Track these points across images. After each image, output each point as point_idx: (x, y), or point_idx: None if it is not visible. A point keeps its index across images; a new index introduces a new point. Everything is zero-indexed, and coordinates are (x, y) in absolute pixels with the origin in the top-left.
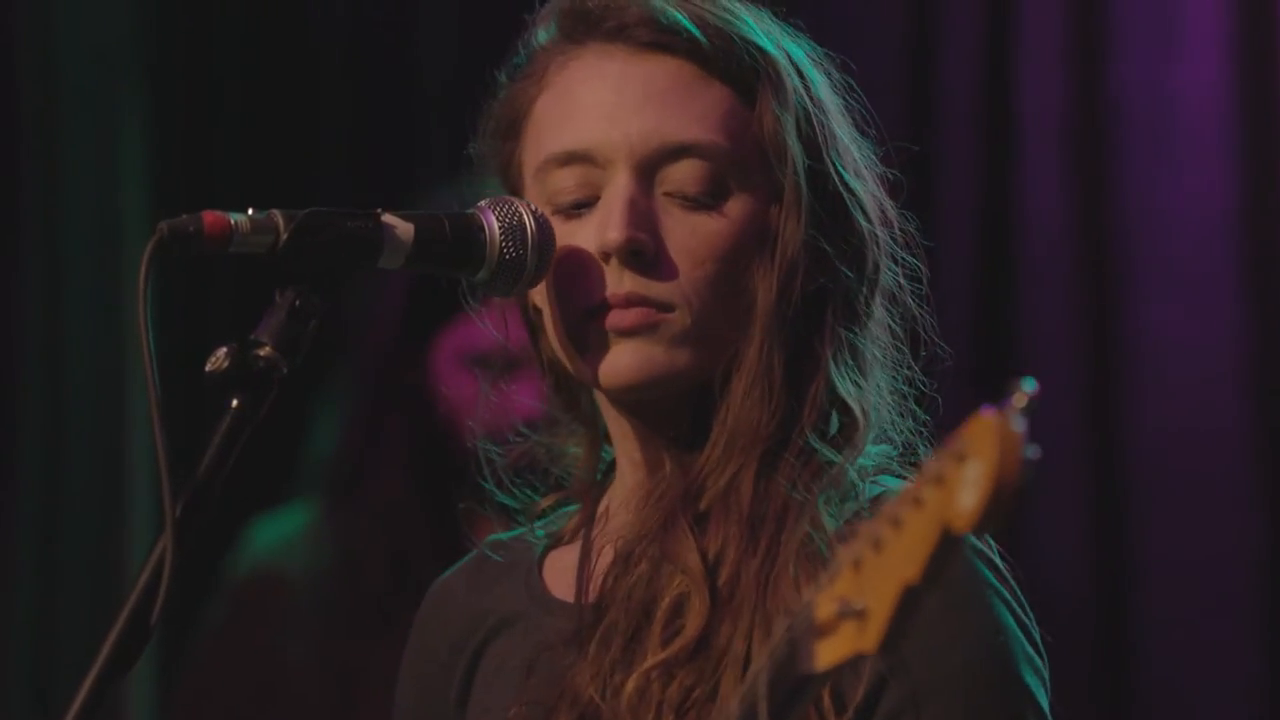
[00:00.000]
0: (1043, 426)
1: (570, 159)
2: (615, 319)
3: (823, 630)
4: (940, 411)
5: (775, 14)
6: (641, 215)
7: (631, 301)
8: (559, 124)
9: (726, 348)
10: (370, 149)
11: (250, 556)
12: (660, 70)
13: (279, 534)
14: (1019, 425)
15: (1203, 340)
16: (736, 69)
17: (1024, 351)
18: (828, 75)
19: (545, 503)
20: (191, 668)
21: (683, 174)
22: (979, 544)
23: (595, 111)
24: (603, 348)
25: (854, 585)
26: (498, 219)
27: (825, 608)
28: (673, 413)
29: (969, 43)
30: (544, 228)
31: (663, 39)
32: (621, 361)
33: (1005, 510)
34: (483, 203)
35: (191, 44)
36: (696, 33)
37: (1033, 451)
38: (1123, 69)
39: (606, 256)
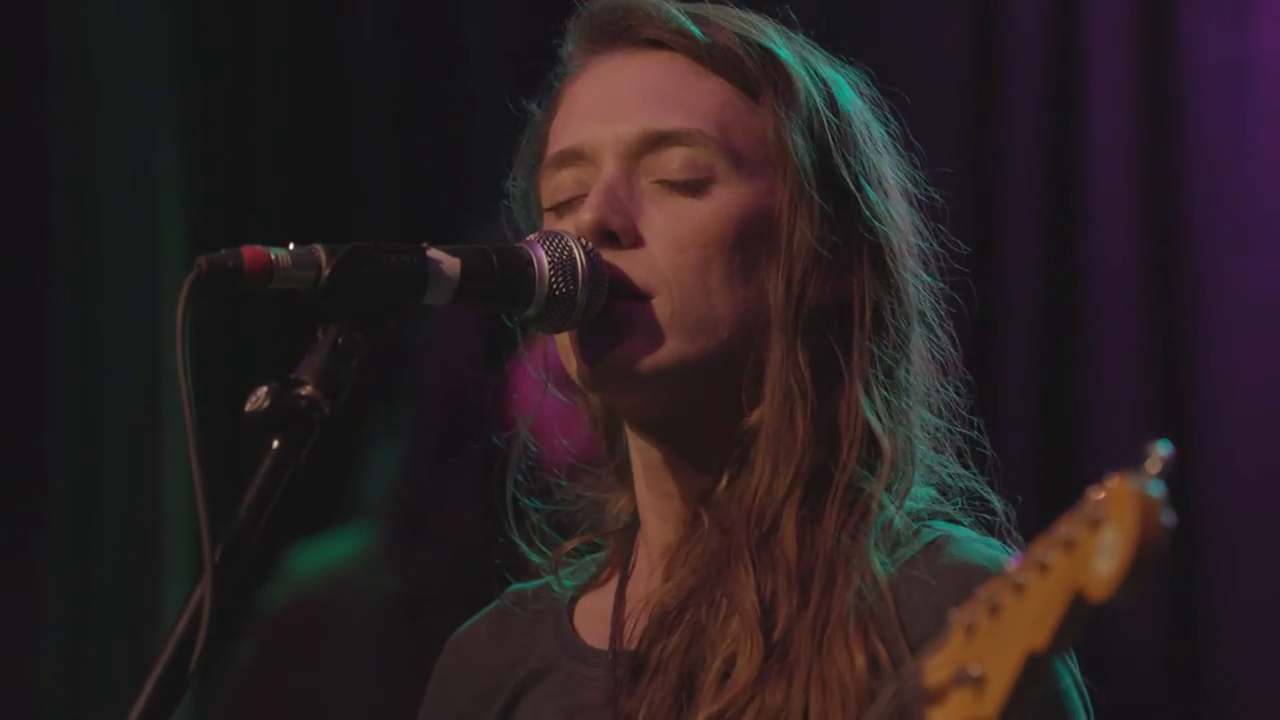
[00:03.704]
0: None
1: (564, 159)
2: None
3: (934, 696)
4: (998, 455)
5: (835, 55)
6: (618, 200)
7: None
8: (558, 133)
9: (737, 347)
10: (413, 176)
11: (290, 586)
12: (653, 64)
13: (322, 562)
14: (1157, 491)
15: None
16: (737, 65)
17: (1091, 394)
18: (873, 101)
19: (569, 545)
20: (224, 710)
21: (666, 160)
22: None
23: (587, 110)
24: (585, 342)
25: (968, 651)
26: (547, 253)
27: (937, 673)
28: (696, 436)
29: (1033, 104)
30: (595, 263)
31: (659, 35)
32: (601, 354)
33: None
34: (531, 237)
35: (229, 71)
36: (691, 27)
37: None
38: (1194, 114)
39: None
